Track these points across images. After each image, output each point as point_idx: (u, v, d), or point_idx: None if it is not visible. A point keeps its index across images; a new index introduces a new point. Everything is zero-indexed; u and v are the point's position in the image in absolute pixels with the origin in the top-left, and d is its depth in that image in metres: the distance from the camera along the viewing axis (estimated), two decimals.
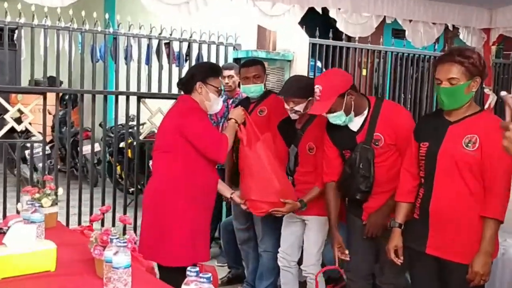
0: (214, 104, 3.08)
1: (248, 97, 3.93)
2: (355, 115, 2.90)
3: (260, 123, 3.50)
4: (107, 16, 4.89)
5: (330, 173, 3.05)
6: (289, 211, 3.21)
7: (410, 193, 2.67)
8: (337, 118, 2.85)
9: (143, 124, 5.97)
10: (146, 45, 5.01)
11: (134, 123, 6.43)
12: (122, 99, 4.93)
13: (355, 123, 2.92)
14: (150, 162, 4.61)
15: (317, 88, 2.83)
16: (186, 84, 3.10)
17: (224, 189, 3.36)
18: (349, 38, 5.78)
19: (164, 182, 3.02)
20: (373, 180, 2.88)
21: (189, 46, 5.16)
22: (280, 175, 3.20)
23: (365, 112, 2.90)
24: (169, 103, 5.10)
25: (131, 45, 4.91)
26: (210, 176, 3.06)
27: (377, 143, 2.85)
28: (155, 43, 5.05)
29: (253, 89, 3.76)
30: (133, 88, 4.99)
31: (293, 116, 3.33)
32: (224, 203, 5.11)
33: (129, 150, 6.00)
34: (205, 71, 3.11)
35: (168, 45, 5.12)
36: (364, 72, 5.84)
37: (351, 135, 2.93)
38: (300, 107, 3.29)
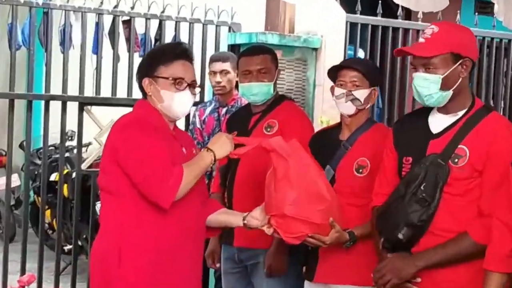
0: (173, 104, 3.07)
1: (249, 105, 3.95)
2: (446, 112, 2.95)
3: None
4: None
5: (381, 194, 3.12)
6: (333, 242, 3.25)
7: None
8: (428, 83, 2.88)
9: (87, 145, 5.97)
10: (94, 24, 5.07)
11: (74, 143, 6.52)
12: (55, 106, 4.97)
13: (439, 122, 2.97)
14: (98, 205, 4.60)
15: (430, 29, 2.92)
16: (140, 88, 3.16)
17: (229, 218, 3.30)
18: (408, 15, 5.80)
19: (104, 239, 3.06)
20: (434, 211, 2.90)
21: (160, 26, 5.23)
22: (329, 186, 3.26)
23: (460, 113, 2.95)
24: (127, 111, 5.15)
25: (71, 24, 4.96)
26: (182, 220, 3.05)
27: (456, 161, 2.89)
28: (107, 20, 5.11)
29: (256, 90, 3.80)
30: (73, 90, 5.04)
31: (346, 108, 3.46)
32: (212, 272, 5.08)
33: (65, 186, 6.05)
34: (150, 59, 3.15)
35: (128, 24, 5.17)
36: None
37: (425, 137, 2.99)
38: (360, 94, 3.42)
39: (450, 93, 2.90)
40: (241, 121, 3.93)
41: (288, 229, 3.14)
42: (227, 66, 4.71)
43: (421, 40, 2.95)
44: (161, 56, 3.10)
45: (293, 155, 3.14)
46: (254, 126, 3.83)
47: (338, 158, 3.46)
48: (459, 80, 2.90)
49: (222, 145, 3.09)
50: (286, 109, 3.83)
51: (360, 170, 3.41)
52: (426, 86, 2.90)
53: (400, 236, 2.92)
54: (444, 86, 2.88)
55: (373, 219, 3.16)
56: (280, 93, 4.13)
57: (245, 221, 3.17)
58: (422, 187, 2.89)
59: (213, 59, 4.85)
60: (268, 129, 3.77)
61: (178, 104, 3.06)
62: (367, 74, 3.48)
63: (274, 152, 3.12)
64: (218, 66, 4.72)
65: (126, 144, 2.96)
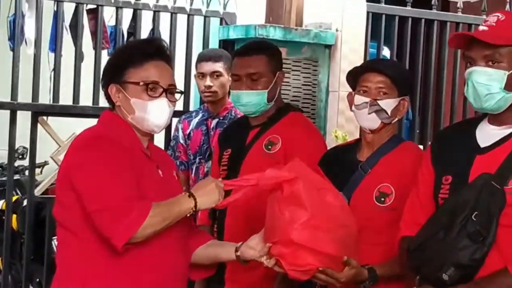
0: (147, 115, 3.06)
1: (245, 117, 3.99)
2: (500, 124, 2.97)
3: (267, 168, 3.52)
4: None
5: (414, 223, 3.12)
6: (348, 280, 3.25)
7: None
8: (490, 78, 2.90)
9: (42, 165, 5.97)
10: (52, 13, 5.07)
11: (26, 163, 6.51)
12: (3, 116, 5.03)
13: (488, 135, 2.99)
14: (55, 241, 4.61)
15: (495, 16, 2.94)
16: (105, 98, 3.17)
17: (218, 251, 3.30)
18: (446, 6, 5.82)
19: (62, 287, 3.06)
20: (489, 249, 2.88)
21: (135, 17, 5.26)
22: (348, 210, 3.30)
23: None
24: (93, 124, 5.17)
25: (23, 13, 4.97)
26: (156, 263, 3.04)
27: (507, 182, 2.89)
28: (69, 10, 5.13)
29: (245, 99, 3.86)
30: (24, 97, 5.07)
31: (369, 122, 3.45)
32: None
33: (14, 216, 5.99)
34: (117, 60, 3.15)
35: (94, 14, 5.19)
36: None
37: (469, 152, 3.01)
38: (388, 104, 3.41)
39: None
40: (236, 135, 3.99)
41: (293, 260, 3.13)
42: (219, 66, 4.69)
43: (482, 28, 2.95)
44: (130, 56, 3.07)
45: (301, 174, 3.16)
46: (252, 142, 3.88)
47: (354, 183, 3.48)
48: None
49: (208, 194, 3.06)
50: (292, 122, 3.87)
51: (382, 199, 3.41)
52: (488, 83, 2.90)
53: (445, 277, 2.91)
54: (509, 86, 2.91)
55: (402, 253, 3.14)
56: (285, 101, 4.16)
57: (238, 253, 3.16)
58: (474, 217, 2.90)
59: (202, 58, 4.82)
60: (269, 147, 3.82)
61: (152, 115, 3.04)
62: (397, 80, 3.46)
63: (277, 180, 3.14)
64: (208, 66, 4.70)
65: (81, 168, 2.94)
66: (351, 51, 5.41)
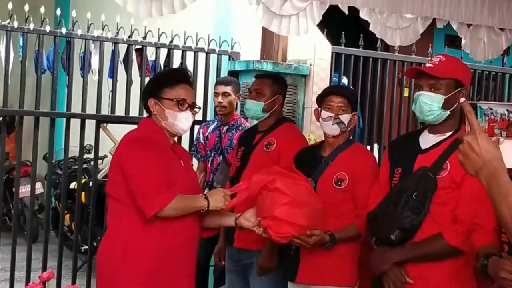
0: (177, 122, 3.08)
1: (256, 125, 4.03)
2: (435, 133, 3.02)
3: (266, 162, 3.57)
4: (58, 12, 4.97)
5: (376, 202, 3.14)
6: (315, 244, 3.27)
7: None
8: (431, 100, 2.93)
9: (103, 157, 5.98)
10: (111, 51, 5.08)
11: (91, 156, 6.50)
12: (75, 123, 4.98)
13: (427, 141, 3.04)
14: None
15: (437, 57, 3.01)
16: (144, 105, 3.20)
17: (223, 219, 3.28)
18: (386, 47, 5.82)
19: (110, 240, 3.09)
20: (423, 218, 2.93)
21: (169, 54, 5.23)
22: (314, 194, 3.29)
23: (448, 134, 3.00)
24: None
25: (90, 51, 4.96)
26: (178, 229, 3.05)
27: (440, 174, 2.95)
28: (122, 49, 5.13)
29: (248, 106, 3.91)
30: (90, 109, 5.05)
31: (332, 130, 3.47)
32: (211, 270, 5.08)
33: (83, 193, 6.02)
34: (156, 82, 3.18)
35: (140, 52, 5.17)
36: (406, 92, 5.91)
37: (414, 152, 3.05)
38: (345, 118, 3.44)
39: (447, 113, 2.96)
40: (247, 138, 3.99)
41: (277, 229, 3.14)
42: (228, 89, 4.74)
43: (428, 65, 3.00)
44: (166, 80, 3.12)
45: (277, 174, 3.17)
46: (257, 143, 3.86)
47: (319, 172, 3.47)
48: (455, 105, 2.96)
49: (217, 199, 3.07)
50: (285, 130, 3.86)
51: (339, 183, 3.41)
52: (430, 103, 2.95)
53: (393, 237, 2.96)
54: (444, 106, 2.94)
55: (367, 222, 3.17)
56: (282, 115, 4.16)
57: (237, 221, 3.18)
58: (414, 196, 2.93)
59: (218, 82, 4.90)
60: (268, 146, 3.80)
61: (181, 122, 3.08)
62: (351, 101, 3.50)
63: (262, 188, 3.14)
64: (221, 88, 4.76)
65: (130, 158, 2.97)
66: (320, 79, 5.40)
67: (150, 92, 3.12)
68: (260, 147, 3.83)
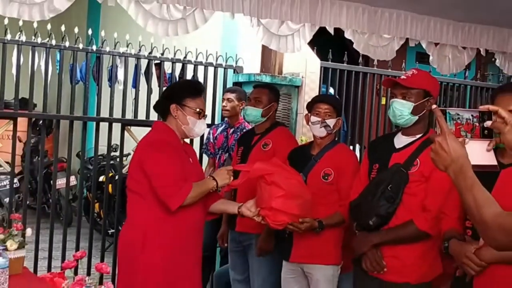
0: (195, 128, 3.10)
1: (253, 128, 4.03)
2: (407, 135, 3.02)
3: (263, 160, 3.53)
4: (90, 31, 4.92)
5: (357, 193, 3.13)
6: (306, 229, 3.27)
7: None
8: (402, 106, 2.93)
9: (127, 155, 5.97)
10: (134, 65, 5.06)
11: (117, 153, 6.45)
12: (103, 126, 4.95)
13: (401, 141, 3.04)
14: None
15: (411, 71, 3.01)
16: (160, 105, 3.18)
17: (227, 207, 3.31)
18: (367, 63, 5.82)
19: (131, 229, 3.07)
20: (396, 207, 2.93)
21: (183, 68, 5.19)
22: (305, 187, 3.27)
23: (418, 136, 3.00)
24: None
25: (117, 65, 4.94)
26: (188, 217, 3.06)
27: (411, 169, 2.93)
28: (144, 63, 5.10)
29: (248, 111, 3.90)
30: (117, 114, 5.01)
31: (320, 132, 3.45)
32: (218, 250, 5.08)
33: (110, 185, 6.07)
34: (181, 91, 3.14)
35: (159, 66, 5.13)
36: (383, 100, 5.89)
37: (389, 150, 3.05)
38: (331, 122, 3.43)
39: (415, 118, 2.97)
40: (246, 139, 3.99)
41: (274, 218, 3.14)
42: (232, 96, 4.73)
43: (403, 77, 3.01)
44: (190, 91, 3.13)
45: (276, 168, 3.18)
46: (255, 143, 3.88)
47: (309, 168, 3.47)
48: (424, 111, 2.97)
49: (223, 178, 3.12)
50: (279, 132, 3.88)
51: (326, 177, 3.41)
52: (401, 109, 2.96)
53: (371, 223, 2.97)
54: (414, 112, 2.94)
55: (349, 210, 3.17)
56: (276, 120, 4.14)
57: (240, 210, 3.20)
58: (389, 188, 2.93)
59: (225, 91, 4.91)
60: (265, 146, 3.83)
61: (198, 128, 3.12)
62: (336, 107, 3.51)
63: (261, 176, 3.15)
64: (226, 95, 4.77)
65: (150, 159, 2.98)
66: (310, 89, 5.41)
67: (172, 99, 3.10)
68: (258, 147, 3.82)
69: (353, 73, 5.56)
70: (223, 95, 4.87)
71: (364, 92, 5.65)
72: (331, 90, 5.55)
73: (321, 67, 5.39)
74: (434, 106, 1.80)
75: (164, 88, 5.11)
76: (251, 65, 5.48)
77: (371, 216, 2.96)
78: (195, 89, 3.17)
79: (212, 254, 5.03)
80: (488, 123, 1.79)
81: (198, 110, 3.08)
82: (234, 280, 4.04)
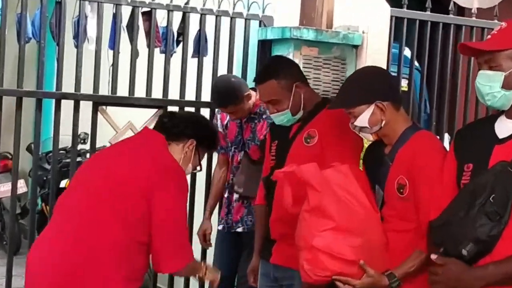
0: (189, 170, 3.69)
1: None
2: None
3: (307, 160, 3.53)
4: None
5: (437, 209, 3.10)
6: (365, 287, 3.24)
7: None
8: (489, 80, 2.90)
9: (101, 148, 6.01)
10: (111, 15, 5.07)
11: (87, 147, 6.56)
12: (67, 106, 4.99)
13: (506, 127, 2.98)
14: None
15: (499, 25, 2.98)
16: (172, 128, 3.64)
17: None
18: (461, 11, 5.75)
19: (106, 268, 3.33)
20: (504, 226, 2.87)
21: (184, 19, 5.23)
22: (374, 220, 3.31)
23: None
24: (147, 114, 5.23)
25: (86, 15, 4.95)
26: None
27: None
28: (126, 12, 5.11)
29: (277, 120, 3.94)
30: (86, 88, 5.06)
31: (365, 136, 3.56)
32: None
33: None
34: (204, 136, 3.72)
35: (148, 16, 5.14)
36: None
37: (489, 142, 3.00)
38: (363, 121, 3.43)
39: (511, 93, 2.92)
40: (282, 129, 3.97)
41: (315, 263, 3.16)
42: (230, 109, 4.79)
43: (488, 37, 3.00)
44: (212, 142, 3.81)
45: (328, 184, 3.20)
46: (294, 136, 3.88)
47: (384, 176, 3.45)
48: None
49: (212, 275, 3.73)
50: (327, 115, 3.81)
51: (401, 190, 3.36)
52: (488, 84, 2.91)
53: (464, 252, 2.90)
54: (508, 85, 2.90)
55: (429, 233, 3.13)
56: (322, 95, 4.12)
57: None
58: (491, 199, 2.87)
59: (216, 108, 5.09)
60: (308, 140, 3.82)
61: (188, 171, 3.67)
62: (356, 102, 3.44)
63: (306, 183, 3.20)
64: (223, 110, 4.91)
65: (169, 196, 3.37)
66: (376, 51, 5.33)
67: (194, 134, 3.64)
68: (299, 141, 3.84)
69: (441, 26, 5.53)
70: (216, 111, 5.15)
71: (456, 55, 5.61)
72: (407, 52, 5.54)
73: (391, 17, 5.39)
74: None
75: (156, 50, 5.16)
76: (286, 16, 5.45)
77: (465, 242, 2.91)
78: (214, 145, 3.86)
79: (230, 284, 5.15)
80: None
81: (201, 162, 3.73)
82: None
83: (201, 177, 5.18)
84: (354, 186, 3.29)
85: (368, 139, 3.58)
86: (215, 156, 5.17)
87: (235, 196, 4.90)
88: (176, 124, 3.63)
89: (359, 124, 3.43)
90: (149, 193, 3.31)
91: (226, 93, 4.75)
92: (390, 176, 3.42)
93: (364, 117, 3.41)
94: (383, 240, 3.27)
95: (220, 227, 5.06)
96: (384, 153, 3.49)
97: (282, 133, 3.98)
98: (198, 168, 3.79)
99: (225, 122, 5.01)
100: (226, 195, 5.02)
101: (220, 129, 4.99)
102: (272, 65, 4.10)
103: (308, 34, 5.16)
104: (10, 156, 6.99)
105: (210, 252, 5.26)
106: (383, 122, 3.42)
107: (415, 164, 3.32)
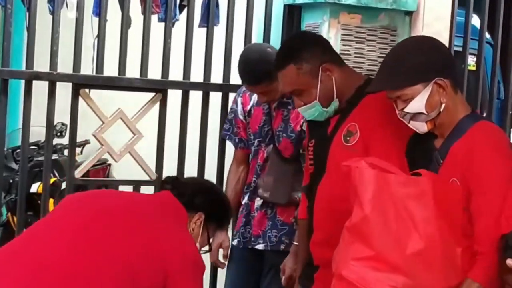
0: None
1: None
2: None
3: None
4: None
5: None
6: None
7: None
8: None
9: (83, 143, 5.89)
10: None
11: (65, 141, 6.52)
12: (40, 88, 4.96)
13: None
14: None
15: None
16: (187, 197, 3.63)
17: None
18: None
19: None
20: None
21: None
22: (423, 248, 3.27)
23: None
24: (143, 99, 5.19)
25: None
26: None
27: None
28: None
29: (306, 115, 3.97)
30: (64, 67, 4.99)
31: (416, 128, 3.52)
32: None
33: (51, 200, 5.98)
34: (216, 208, 3.74)
35: None
36: None
37: None
38: (417, 106, 3.42)
39: None
40: (319, 122, 3.98)
41: None
42: (262, 88, 4.64)
43: None
44: (225, 220, 3.87)
45: (381, 198, 3.26)
46: (334, 132, 3.86)
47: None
48: None
49: None
50: (368, 104, 3.79)
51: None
52: None
53: None
54: None
55: (500, 247, 3.19)
56: (367, 76, 4.12)
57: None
58: None
59: (243, 83, 4.91)
60: (348, 138, 3.80)
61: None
62: (411, 78, 3.41)
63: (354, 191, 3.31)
64: (251, 91, 4.82)
65: (189, 274, 3.41)
66: (436, 19, 5.32)
67: (204, 204, 3.65)
68: (338, 139, 3.82)
69: None
70: (237, 93, 5.03)
71: None
72: (475, 21, 5.61)
73: None
74: None
75: (153, 18, 5.14)
76: None
77: None
78: (228, 218, 3.91)
79: None
80: None
81: (210, 241, 3.76)
82: None
83: (210, 176, 5.11)
84: (425, 207, 3.29)
85: (420, 131, 3.50)
86: (228, 148, 5.19)
87: (257, 203, 4.83)
88: (182, 192, 3.64)
89: (413, 110, 3.41)
90: (167, 271, 3.36)
91: (261, 65, 4.60)
92: (441, 177, 3.43)
93: (419, 101, 3.40)
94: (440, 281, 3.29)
95: (235, 242, 4.97)
96: (433, 147, 3.53)
97: (320, 129, 3.98)
98: (207, 248, 3.81)
99: (248, 107, 4.88)
100: (244, 201, 4.92)
101: (240, 117, 4.93)
102: (290, 46, 4.07)
103: None
104: None
105: (221, 274, 5.23)
106: (443, 106, 3.42)
107: (472, 168, 3.36)
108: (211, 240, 3.78)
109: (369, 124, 3.74)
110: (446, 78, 3.38)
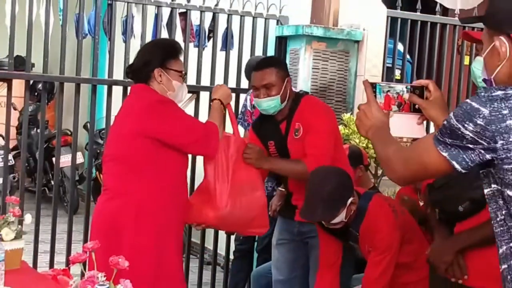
0: (179, 93, 3.40)
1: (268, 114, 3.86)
2: None
3: (300, 150, 3.55)
4: None
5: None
6: None
7: None
8: (482, 65, 2.80)
9: None
10: (154, 15, 5.07)
11: None
12: (117, 91, 4.97)
13: None
14: None
15: None
16: (139, 73, 3.38)
17: None
18: (446, 12, 5.68)
19: (120, 203, 3.27)
20: None
21: (214, 18, 5.20)
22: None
23: None
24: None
25: (133, 15, 4.96)
26: (180, 193, 3.41)
27: None
28: (166, 12, 5.12)
29: (264, 105, 3.73)
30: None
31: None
32: (255, 246, 5.09)
33: None
34: (163, 53, 3.38)
35: (184, 16, 5.13)
36: (466, 60, 5.80)
37: None
38: (339, 218, 3.36)
39: None
40: (271, 129, 3.83)
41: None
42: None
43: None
44: (171, 51, 3.38)
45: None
46: (286, 133, 3.76)
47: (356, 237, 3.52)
48: None
49: (224, 93, 3.58)
50: (305, 107, 3.73)
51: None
52: (481, 68, 2.85)
53: (461, 209, 2.87)
54: None
55: (426, 193, 3.13)
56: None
57: None
58: None
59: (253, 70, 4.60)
60: (296, 133, 3.72)
61: (181, 93, 3.41)
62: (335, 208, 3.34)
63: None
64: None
65: (162, 122, 3.20)
66: (374, 45, 5.36)
67: (155, 62, 3.32)
68: (291, 136, 3.75)
69: (428, 25, 5.48)
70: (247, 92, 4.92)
71: (442, 48, 5.58)
72: (400, 47, 5.51)
73: (387, 17, 5.37)
74: (364, 79, 2.30)
75: (191, 44, 5.13)
76: (299, 15, 5.44)
77: (463, 200, 2.87)
78: (175, 49, 3.43)
79: (249, 248, 5.08)
80: (406, 96, 2.24)
81: (181, 72, 3.38)
82: (277, 281, 4.03)
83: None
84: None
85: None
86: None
87: None
88: (136, 71, 3.39)
89: (338, 220, 3.37)
90: (144, 134, 3.23)
91: (272, 57, 4.76)
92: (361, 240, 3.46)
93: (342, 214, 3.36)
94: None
95: None
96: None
97: (274, 133, 3.84)
98: (185, 89, 3.47)
99: (253, 103, 4.65)
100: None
101: (249, 108, 4.89)
102: (273, 58, 4.29)
103: (318, 31, 5.21)
104: (70, 133, 7.00)
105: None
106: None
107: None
108: (181, 71, 3.41)
109: (307, 120, 3.68)
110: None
